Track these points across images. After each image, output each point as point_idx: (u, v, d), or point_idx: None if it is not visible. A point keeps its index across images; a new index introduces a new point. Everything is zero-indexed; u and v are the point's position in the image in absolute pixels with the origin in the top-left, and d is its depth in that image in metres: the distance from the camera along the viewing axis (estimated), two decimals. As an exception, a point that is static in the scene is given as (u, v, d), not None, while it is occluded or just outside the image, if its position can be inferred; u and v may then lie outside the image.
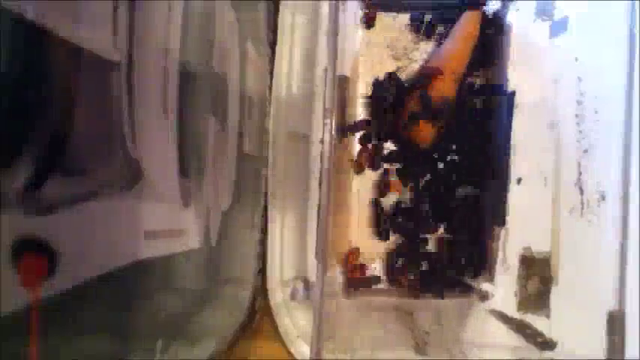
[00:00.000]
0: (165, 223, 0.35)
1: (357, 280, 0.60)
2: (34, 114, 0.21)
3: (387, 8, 0.63)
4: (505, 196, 0.57)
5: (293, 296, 0.53)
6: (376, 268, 0.62)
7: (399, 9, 0.63)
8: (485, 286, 0.60)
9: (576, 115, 0.46)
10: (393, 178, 0.63)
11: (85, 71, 0.23)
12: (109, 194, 0.28)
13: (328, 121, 0.40)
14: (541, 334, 0.48)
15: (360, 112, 0.63)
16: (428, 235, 0.63)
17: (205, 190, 0.42)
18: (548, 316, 0.48)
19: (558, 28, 0.49)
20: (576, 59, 0.46)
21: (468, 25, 0.59)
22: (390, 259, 0.62)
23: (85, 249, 0.26)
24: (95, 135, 0.25)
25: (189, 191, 0.39)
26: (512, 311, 0.54)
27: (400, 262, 0.62)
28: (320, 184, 0.40)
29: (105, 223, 0.28)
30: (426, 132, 0.58)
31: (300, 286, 0.53)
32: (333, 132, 0.40)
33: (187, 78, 0.35)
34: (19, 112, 0.20)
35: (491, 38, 0.61)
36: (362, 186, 0.63)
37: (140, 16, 0.28)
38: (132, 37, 0.26)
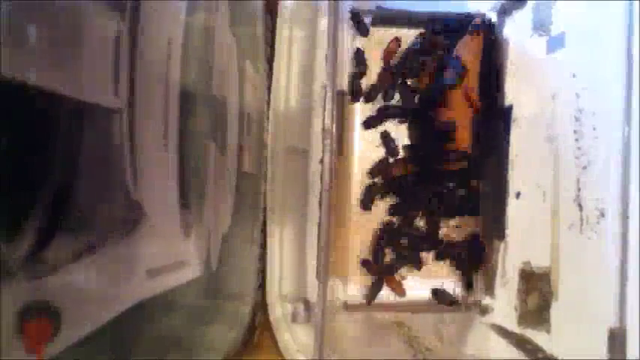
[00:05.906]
0: (166, 259, 0.35)
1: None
2: (38, 177, 0.21)
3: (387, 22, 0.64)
4: (504, 210, 0.57)
5: (294, 318, 0.53)
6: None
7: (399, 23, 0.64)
8: (485, 299, 0.60)
9: (575, 132, 0.45)
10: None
11: (87, 124, 0.23)
12: (110, 242, 0.28)
13: (328, 141, 0.40)
14: (541, 350, 0.48)
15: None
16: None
17: (206, 215, 0.42)
18: (548, 332, 0.48)
19: (555, 44, 0.49)
20: (574, 75, 0.46)
21: (467, 55, 0.59)
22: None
23: (87, 303, 0.26)
24: (97, 185, 0.25)
25: (190, 221, 0.38)
26: (512, 326, 0.54)
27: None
28: (320, 205, 0.40)
29: (107, 271, 0.28)
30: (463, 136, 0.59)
31: (301, 307, 0.53)
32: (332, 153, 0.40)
33: (187, 105, 0.35)
34: (22, 180, 0.20)
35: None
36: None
37: (141, 51, 0.28)
38: (133, 77, 0.26)
